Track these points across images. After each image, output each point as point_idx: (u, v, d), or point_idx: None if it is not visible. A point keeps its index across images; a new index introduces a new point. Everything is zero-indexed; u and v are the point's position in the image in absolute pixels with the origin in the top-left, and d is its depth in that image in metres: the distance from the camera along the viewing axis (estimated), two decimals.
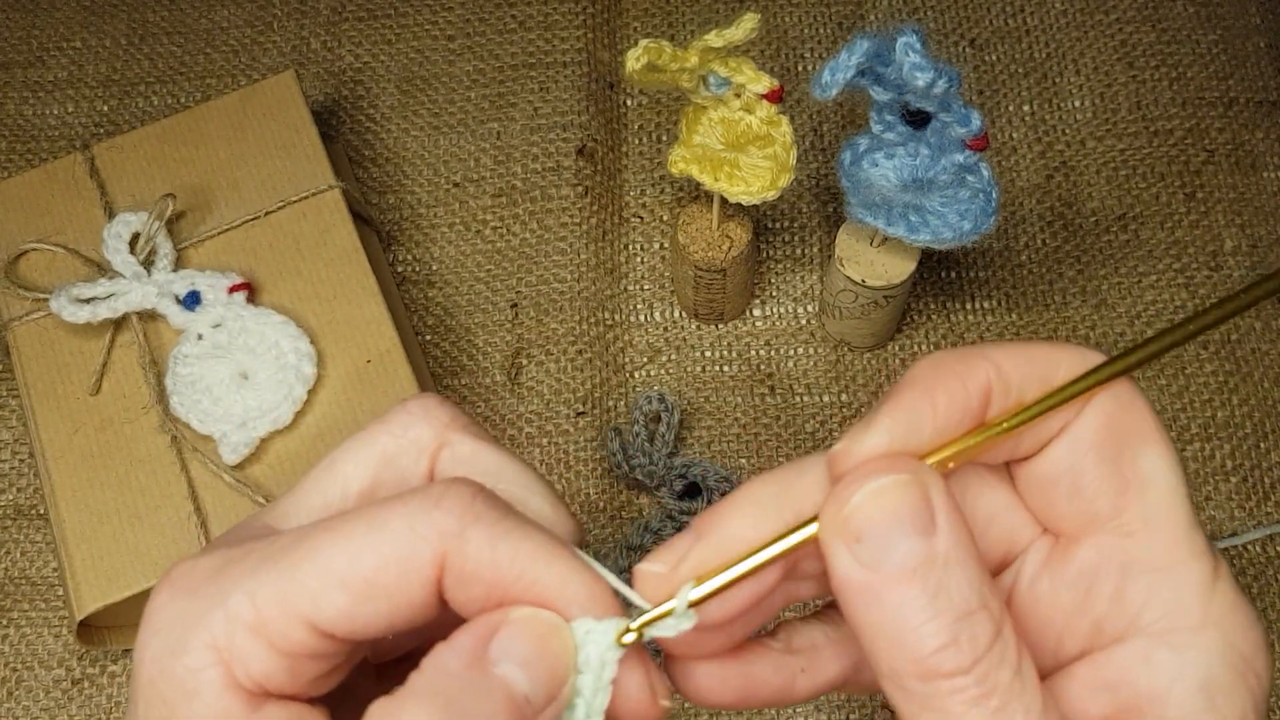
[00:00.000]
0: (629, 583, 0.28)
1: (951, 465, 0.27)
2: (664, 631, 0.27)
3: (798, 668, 0.30)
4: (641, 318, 0.64)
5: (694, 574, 0.27)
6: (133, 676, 0.27)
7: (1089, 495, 0.28)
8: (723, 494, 0.57)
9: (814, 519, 0.26)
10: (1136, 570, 0.27)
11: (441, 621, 0.28)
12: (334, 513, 0.29)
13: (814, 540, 0.26)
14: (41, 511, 0.61)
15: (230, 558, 0.27)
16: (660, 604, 0.27)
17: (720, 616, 0.28)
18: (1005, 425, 0.27)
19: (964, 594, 0.25)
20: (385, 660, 0.33)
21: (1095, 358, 0.28)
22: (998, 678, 0.25)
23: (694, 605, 0.27)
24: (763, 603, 0.28)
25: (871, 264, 0.56)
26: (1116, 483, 0.28)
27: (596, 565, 0.27)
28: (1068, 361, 0.28)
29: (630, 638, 0.27)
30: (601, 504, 0.60)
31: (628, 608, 0.27)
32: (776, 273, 0.65)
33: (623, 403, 0.62)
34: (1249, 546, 0.58)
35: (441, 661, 0.26)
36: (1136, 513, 0.27)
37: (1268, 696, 0.27)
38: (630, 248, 0.66)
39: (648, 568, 0.28)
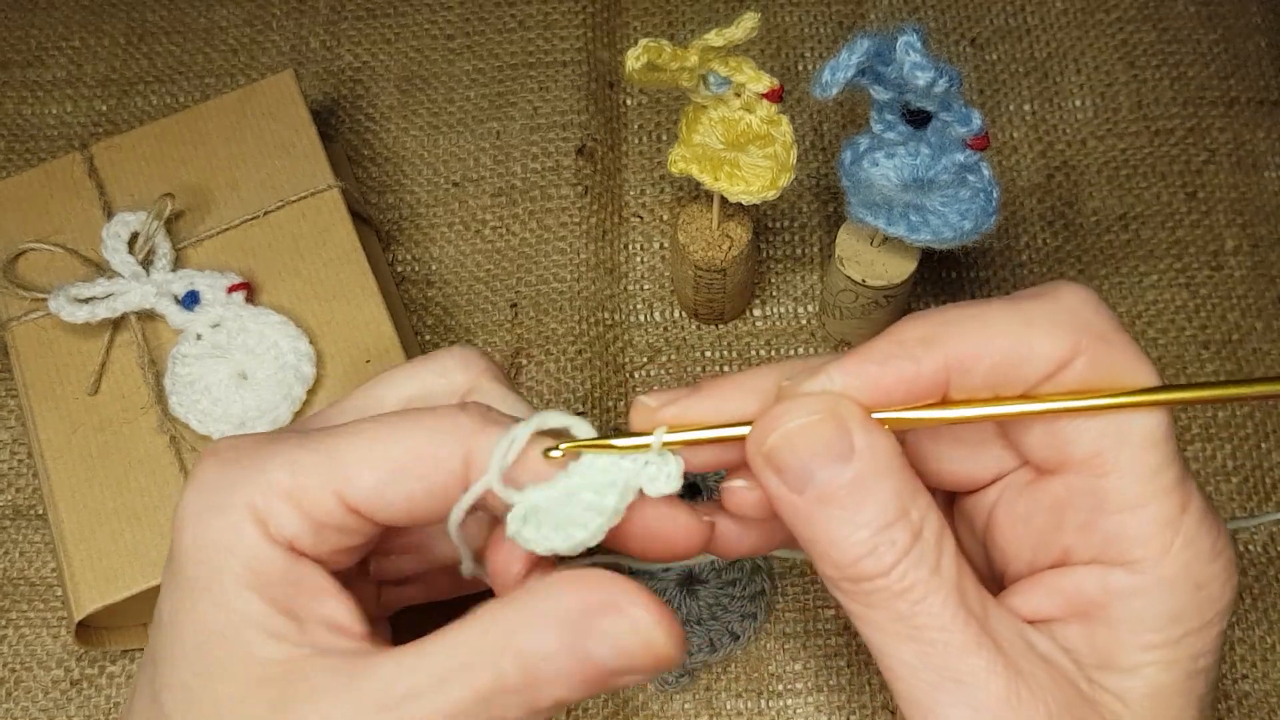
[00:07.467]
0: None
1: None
2: (652, 481, 0.31)
3: None
4: (641, 318, 0.64)
5: (671, 420, 0.31)
6: (173, 538, 0.31)
7: (1064, 439, 0.30)
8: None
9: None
10: (1105, 509, 0.30)
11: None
12: None
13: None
14: (40, 512, 0.61)
15: (273, 437, 0.32)
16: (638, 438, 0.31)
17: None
18: (949, 418, 0.30)
19: (882, 508, 0.29)
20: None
21: (1067, 339, 0.29)
22: (915, 575, 0.29)
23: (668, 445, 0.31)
24: None
25: (872, 264, 0.56)
26: (1093, 430, 0.30)
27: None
28: (1042, 341, 0.29)
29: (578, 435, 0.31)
30: None
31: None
32: (776, 273, 0.65)
33: (623, 403, 0.62)
34: (1250, 548, 0.58)
35: (564, 599, 0.29)
36: (1110, 456, 0.30)
37: (1224, 620, 0.31)
38: (630, 248, 0.66)
39: (644, 399, 0.32)
